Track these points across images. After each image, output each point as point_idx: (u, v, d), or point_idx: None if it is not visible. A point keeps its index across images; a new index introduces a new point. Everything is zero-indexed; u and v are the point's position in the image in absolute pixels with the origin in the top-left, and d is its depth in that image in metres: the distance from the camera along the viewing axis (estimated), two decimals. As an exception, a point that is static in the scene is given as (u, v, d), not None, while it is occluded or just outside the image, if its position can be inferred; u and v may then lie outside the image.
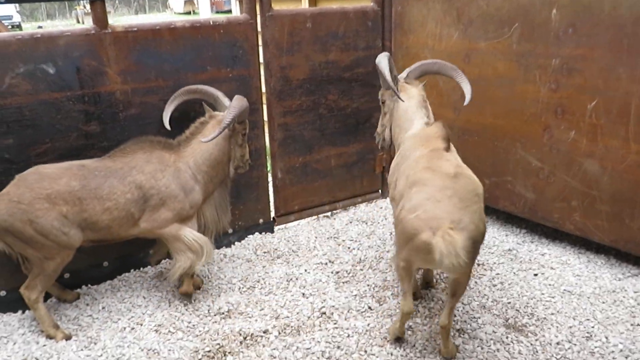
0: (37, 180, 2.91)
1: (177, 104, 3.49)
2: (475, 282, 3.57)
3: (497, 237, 4.22)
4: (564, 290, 3.44)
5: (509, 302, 3.33)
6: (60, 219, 2.91)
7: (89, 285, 3.65)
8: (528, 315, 3.19)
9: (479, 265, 3.80)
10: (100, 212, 3.02)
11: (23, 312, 3.36)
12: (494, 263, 3.82)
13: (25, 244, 2.90)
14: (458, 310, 3.26)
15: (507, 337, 3.00)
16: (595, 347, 2.90)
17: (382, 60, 3.19)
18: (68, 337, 3.10)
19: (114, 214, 3.06)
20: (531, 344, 2.94)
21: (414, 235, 2.48)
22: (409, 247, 2.56)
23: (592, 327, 3.06)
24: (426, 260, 2.56)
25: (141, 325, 3.21)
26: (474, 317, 3.19)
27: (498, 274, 3.67)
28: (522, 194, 4.06)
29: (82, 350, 2.99)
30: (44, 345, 3.03)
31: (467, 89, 3.36)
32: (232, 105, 3.27)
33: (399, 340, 2.97)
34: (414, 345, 2.95)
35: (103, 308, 3.40)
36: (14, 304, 3.32)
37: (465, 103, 3.36)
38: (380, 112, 3.49)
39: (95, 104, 3.41)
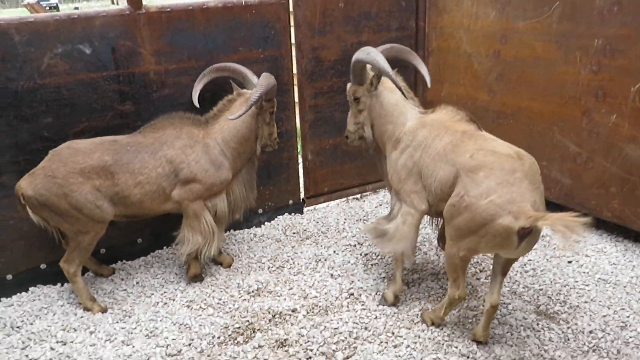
0: (70, 155, 2.99)
1: (205, 81, 3.50)
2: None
3: (530, 222, 4.13)
4: (599, 278, 3.35)
5: (541, 289, 3.27)
6: (93, 193, 2.99)
7: (124, 261, 3.77)
8: (560, 303, 3.13)
9: (510, 250, 3.73)
10: (132, 186, 3.09)
11: (62, 285, 3.50)
12: (526, 249, 3.75)
13: (61, 218, 3.00)
14: (488, 296, 3.22)
15: (537, 324, 2.95)
16: (630, 337, 2.83)
17: (374, 55, 2.92)
18: (104, 310, 3.21)
19: (146, 188, 3.13)
20: (562, 332, 2.89)
21: (490, 220, 2.39)
22: (481, 233, 2.45)
23: (628, 316, 2.98)
24: (502, 245, 2.46)
25: (173, 300, 3.30)
26: (504, 303, 3.15)
27: (530, 260, 3.60)
28: (558, 180, 3.95)
29: (117, 322, 3.10)
30: (82, 317, 3.15)
31: (424, 72, 3.30)
32: (260, 83, 3.27)
33: (437, 326, 2.95)
34: (442, 329, 2.94)
35: (137, 283, 3.51)
36: (54, 276, 3.45)
37: (429, 86, 3.37)
38: (350, 110, 3.26)
39: (130, 84, 3.47)
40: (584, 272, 3.43)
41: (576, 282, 3.32)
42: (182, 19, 3.53)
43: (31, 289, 3.44)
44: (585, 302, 3.13)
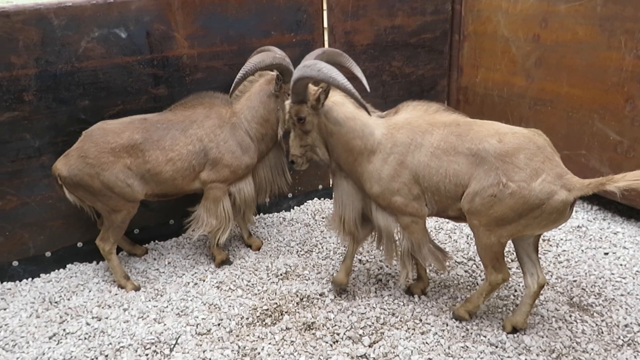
0: (101, 135, 3.06)
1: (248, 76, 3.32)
2: (539, 258, 3.43)
3: (566, 212, 4.02)
4: (637, 271, 3.24)
5: (575, 280, 3.19)
6: (124, 171, 3.06)
7: (157, 242, 3.86)
8: (595, 295, 3.04)
9: (544, 240, 3.65)
10: (164, 162, 3.14)
11: (97, 263, 3.61)
12: (561, 239, 3.65)
13: (94, 197, 3.08)
14: (519, 285, 3.16)
15: (570, 316, 2.88)
16: (668, 332, 2.73)
17: (329, 72, 2.55)
18: (137, 288, 3.30)
19: (177, 165, 3.17)
20: (596, 325, 2.81)
21: (547, 199, 2.37)
22: (535, 214, 2.41)
23: (666, 311, 2.88)
24: (555, 221, 2.46)
25: (203, 281, 3.36)
26: (536, 294, 3.08)
27: (564, 250, 3.51)
28: (597, 169, 3.82)
29: (149, 301, 3.18)
30: (116, 294, 3.25)
31: (360, 75, 3.08)
32: (250, 60, 3.21)
33: (471, 316, 2.90)
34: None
35: (169, 263, 3.59)
36: (90, 254, 3.57)
37: (368, 91, 3.01)
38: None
39: (164, 68, 3.51)
40: (621, 265, 3.32)
41: (612, 274, 3.22)
42: (215, 3, 3.54)
43: (68, 266, 3.57)
44: (622, 295, 3.03)
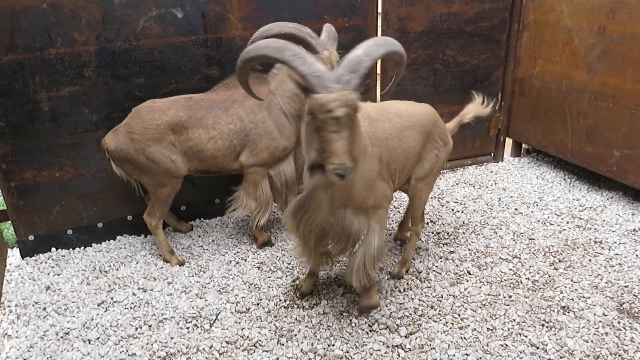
0: (148, 112, 3.13)
1: None
2: (589, 260, 3.31)
3: (622, 215, 3.84)
4: (696, 281, 3.06)
5: (626, 286, 3.05)
6: (168, 147, 3.12)
7: (202, 219, 3.95)
8: (647, 303, 2.91)
9: (595, 242, 3.50)
10: (206, 140, 3.18)
11: (145, 236, 3.74)
12: (614, 242, 3.49)
13: (140, 171, 3.17)
14: (565, 287, 3.05)
15: (618, 322, 2.76)
16: None
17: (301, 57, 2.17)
18: (181, 263, 3.40)
19: (219, 144, 3.20)
20: (647, 334, 2.68)
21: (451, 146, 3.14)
22: (445, 161, 3.16)
23: None
24: (431, 161, 3.03)
25: (245, 260, 3.43)
26: (583, 297, 2.97)
27: (617, 254, 3.36)
28: (659, 171, 3.61)
29: (192, 276, 3.28)
30: (161, 268, 3.37)
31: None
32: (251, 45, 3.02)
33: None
34: (512, 317, 2.83)
35: (212, 241, 3.68)
36: (139, 228, 3.69)
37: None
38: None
39: (217, 49, 3.56)
40: (679, 273, 3.15)
41: (669, 282, 3.06)
42: (269, -15, 3.55)
43: (118, 237, 3.72)
44: (677, 305, 2.88)
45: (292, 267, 3.34)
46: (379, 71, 4.21)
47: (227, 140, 3.21)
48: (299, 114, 3.23)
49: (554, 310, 2.88)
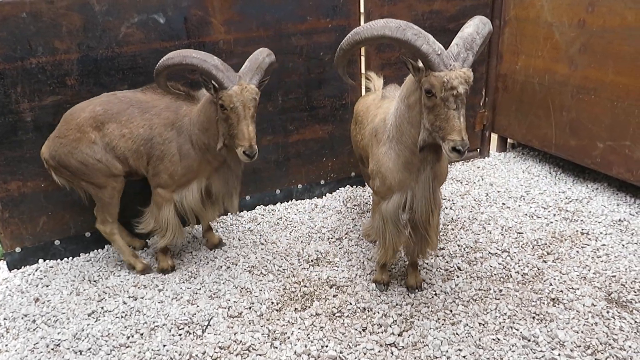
0: (71, 113, 3.06)
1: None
2: (577, 252, 3.35)
3: (607, 205, 3.89)
4: (682, 268, 3.11)
5: (614, 276, 3.09)
6: (90, 147, 3.00)
7: (193, 226, 3.93)
8: (635, 291, 2.94)
9: (582, 234, 3.54)
10: (118, 137, 3.01)
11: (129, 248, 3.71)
12: (600, 233, 3.54)
13: (76, 176, 3.07)
14: (554, 279, 3.09)
15: (607, 312, 2.80)
16: None
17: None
18: (146, 267, 3.33)
19: (128, 144, 3.03)
20: (635, 322, 2.72)
21: None
22: None
23: None
24: None
25: (236, 265, 3.42)
26: (572, 288, 3.01)
27: (604, 244, 3.40)
28: (642, 161, 3.67)
29: (183, 282, 3.26)
30: (152, 275, 3.34)
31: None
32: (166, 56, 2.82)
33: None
34: (503, 310, 2.85)
35: (202, 247, 3.66)
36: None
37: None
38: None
39: (200, 53, 3.54)
40: (664, 261, 3.20)
41: (655, 271, 3.11)
42: (251, -12, 3.54)
43: (107, 246, 3.69)
44: (664, 293, 2.92)
45: (283, 269, 3.33)
46: (363, 70, 4.22)
47: (136, 144, 3.04)
48: (208, 147, 3.00)
49: (544, 303, 2.90)
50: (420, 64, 2.23)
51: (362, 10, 3.99)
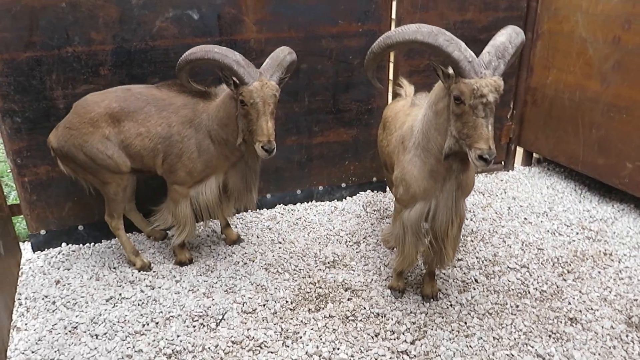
0: (83, 105, 3.04)
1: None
2: (598, 272, 3.28)
3: (633, 227, 3.81)
4: None
5: (636, 299, 3.02)
6: (102, 142, 3.00)
7: (212, 220, 3.97)
8: (656, 317, 2.88)
9: (605, 254, 3.47)
10: (134, 135, 3.02)
11: (149, 238, 3.77)
12: (624, 255, 3.46)
13: (83, 169, 3.09)
14: (573, 298, 3.04)
15: (627, 336, 2.74)
16: None
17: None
18: (147, 264, 3.35)
19: (145, 142, 3.03)
20: (655, 348, 2.66)
21: None
22: None
23: None
24: None
25: (253, 261, 3.45)
26: (591, 309, 2.95)
27: (627, 267, 3.33)
28: (672, 184, 3.58)
29: (200, 275, 3.30)
30: (169, 266, 3.39)
31: None
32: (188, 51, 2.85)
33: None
34: (519, 326, 2.82)
35: (221, 241, 3.70)
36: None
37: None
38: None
39: (231, 51, 3.59)
40: (689, 288, 3.11)
41: (679, 297, 3.03)
42: (285, -12, 3.58)
43: (128, 234, 3.74)
44: (687, 320, 2.85)
45: (300, 269, 3.35)
46: (391, 77, 4.22)
47: (153, 142, 3.04)
48: (226, 143, 3.02)
49: (561, 322, 2.86)
50: (451, 71, 2.23)
51: (393, 16, 3.99)
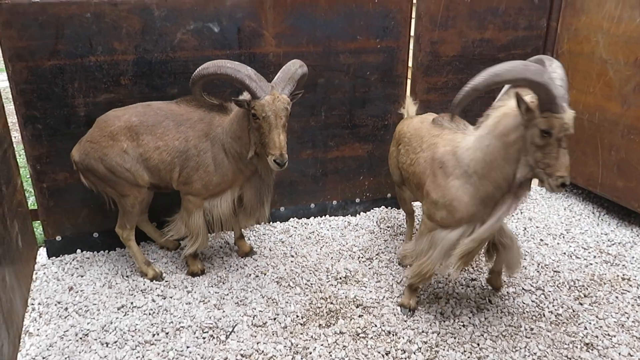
0: (105, 120, 3.11)
1: None
2: (616, 297, 3.21)
3: (653, 252, 3.73)
4: None
5: (655, 327, 2.95)
6: (121, 155, 3.05)
7: (225, 232, 3.98)
8: (676, 346, 2.80)
9: (623, 279, 3.40)
10: (153, 149, 3.07)
11: (162, 248, 3.78)
12: (643, 281, 3.39)
13: (102, 181, 3.14)
14: (590, 323, 2.97)
15: (645, 364, 2.67)
16: None
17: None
18: (159, 274, 3.36)
19: (163, 156, 3.08)
20: (675, 378, 2.58)
21: None
22: None
23: None
24: None
25: (265, 274, 3.44)
26: (608, 334, 2.88)
27: (646, 293, 3.26)
28: (693, 209, 3.51)
29: (212, 286, 3.30)
30: (181, 276, 3.40)
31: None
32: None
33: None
34: (533, 350, 2.76)
35: (233, 253, 3.70)
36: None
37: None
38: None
39: (250, 64, 3.58)
40: None
41: (700, 326, 2.95)
42: (305, 3, 3.61)
43: (142, 243, 3.77)
44: None
45: (311, 284, 3.33)
46: (408, 93, 4.22)
47: (170, 156, 3.09)
48: (240, 156, 3.05)
49: (577, 347, 2.80)
50: (531, 104, 2.32)
51: (412, 33, 4.00)
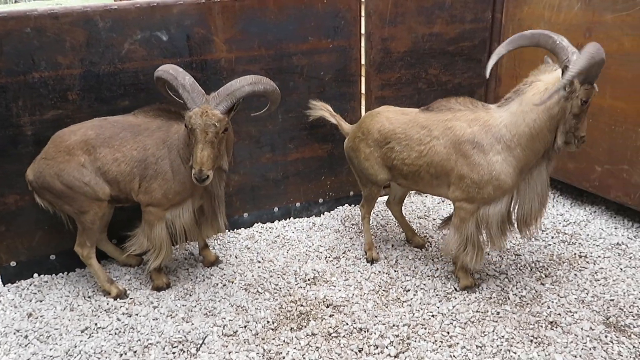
0: (60, 136, 3.05)
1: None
2: (575, 275, 3.33)
3: (605, 229, 3.89)
4: (680, 294, 3.10)
5: (612, 300, 3.07)
6: (79, 170, 2.99)
7: (188, 242, 3.91)
8: (633, 316, 2.93)
9: (580, 257, 3.53)
10: (111, 161, 3.01)
11: (124, 265, 3.68)
12: (598, 257, 3.53)
13: (59, 199, 3.05)
14: (552, 302, 3.07)
15: (605, 336, 2.78)
16: None
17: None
18: (122, 292, 3.27)
19: (122, 167, 3.03)
20: (634, 346, 2.70)
21: None
22: None
23: None
24: None
25: (232, 282, 3.39)
26: (570, 311, 2.99)
27: (602, 268, 3.39)
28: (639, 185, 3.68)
29: (179, 299, 3.23)
30: (146, 292, 3.31)
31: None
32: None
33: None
34: (501, 333, 2.83)
35: (199, 264, 3.64)
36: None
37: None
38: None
39: (202, 71, 3.58)
40: (663, 286, 3.18)
41: (653, 296, 3.10)
42: (254, 7, 3.59)
43: (102, 261, 3.64)
44: (663, 318, 2.91)
45: (280, 288, 3.31)
46: (363, 91, 4.26)
47: (129, 166, 3.04)
48: (188, 161, 2.99)
49: (542, 326, 2.88)
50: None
51: (363, 31, 4.04)
